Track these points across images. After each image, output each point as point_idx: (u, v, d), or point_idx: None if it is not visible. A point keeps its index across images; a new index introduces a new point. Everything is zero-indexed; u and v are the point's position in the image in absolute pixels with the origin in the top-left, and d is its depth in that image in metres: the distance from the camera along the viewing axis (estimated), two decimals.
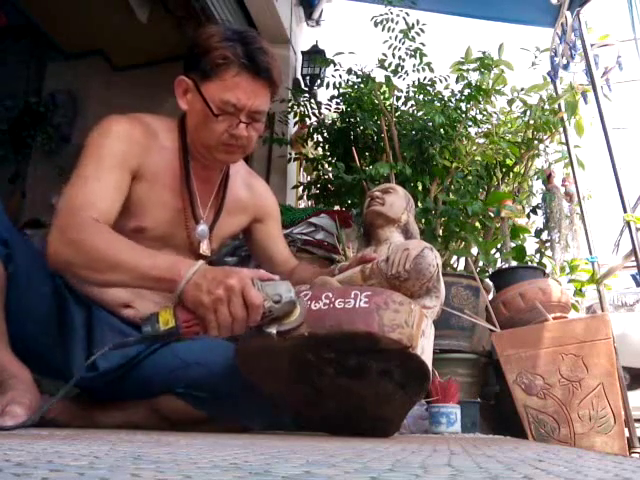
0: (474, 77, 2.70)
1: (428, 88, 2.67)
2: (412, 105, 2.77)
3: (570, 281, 2.62)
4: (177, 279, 0.96)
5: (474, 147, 2.74)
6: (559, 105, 2.76)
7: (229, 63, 1.16)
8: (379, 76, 2.71)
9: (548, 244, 2.77)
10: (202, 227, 1.29)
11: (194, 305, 0.95)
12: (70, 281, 1.21)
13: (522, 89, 2.80)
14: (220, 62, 1.16)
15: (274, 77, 1.22)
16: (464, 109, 2.68)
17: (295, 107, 3.11)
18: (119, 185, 1.15)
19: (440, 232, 2.43)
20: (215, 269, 1.00)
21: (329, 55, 3.29)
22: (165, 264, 1.00)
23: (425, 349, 1.05)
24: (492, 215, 2.46)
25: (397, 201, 1.37)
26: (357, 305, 1.01)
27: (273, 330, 0.98)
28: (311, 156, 3.20)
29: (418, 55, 2.63)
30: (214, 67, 1.17)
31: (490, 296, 2.30)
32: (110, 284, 1.10)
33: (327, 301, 1.03)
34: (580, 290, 2.61)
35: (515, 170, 2.90)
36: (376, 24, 2.68)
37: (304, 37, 4.08)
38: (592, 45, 2.48)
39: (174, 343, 1.21)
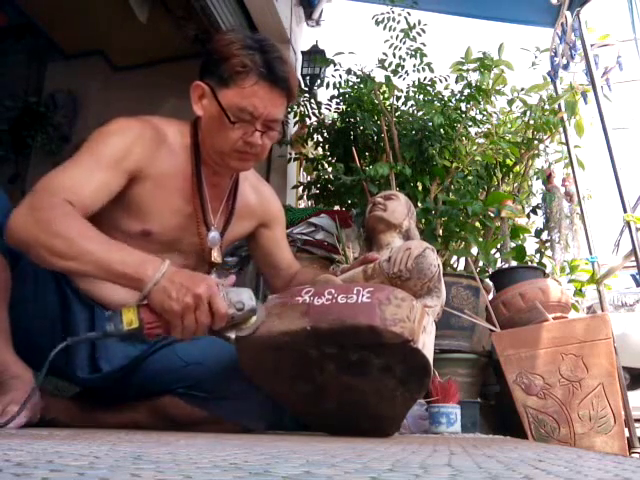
0: (474, 77, 2.70)
1: (428, 88, 2.67)
2: (412, 105, 2.77)
3: (570, 281, 2.61)
4: (144, 279, 0.96)
5: (474, 147, 2.74)
6: (559, 105, 2.76)
7: (248, 71, 1.16)
8: (379, 76, 2.71)
9: (548, 244, 2.76)
10: (213, 234, 1.28)
11: (161, 309, 0.95)
12: (73, 279, 1.20)
13: (522, 89, 2.80)
14: (239, 70, 1.16)
15: (291, 87, 1.22)
16: (464, 109, 2.68)
17: (295, 107, 3.11)
18: (107, 182, 1.11)
19: (440, 232, 2.43)
20: (182, 273, 0.99)
21: (329, 55, 3.29)
22: (132, 261, 0.98)
23: (426, 345, 1.06)
24: (492, 215, 2.46)
25: (399, 207, 1.39)
26: (359, 300, 1.02)
27: (232, 335, 1.01)
28: (311, 156, 3.20)
29: (418, 55, 2.63)
30: (233, 74, 1.16)
31: (490, 296, 2.30)
32: (71, 272, 1.08)
33: (330, 297, 1.04)
34: (580, 290, 2.60)
35: (515, 170, 2.90)
36: (377, 23, 2.68)
37: (304, 37, 4.08)
38: (592, 45, 2.48)
39: (184, 347, 1.22)
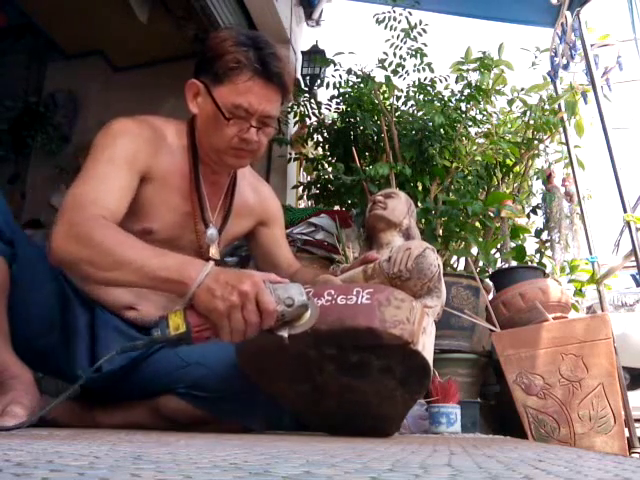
0: (474, 77, 2.70)
1: (428, 88, 2.67)
2: (412, 105, 2.77)
3: (570, 281, 2.61)
4: (187, 282, 0.93)
5: (474, 147, 2.74)
6: (559, 105, 2.76)
7: (242, 67, 1.16)
8: (379, 76, 2.72)
9: (548, 244, 2.76)
10: (211, 231, 1.28)
11: (207, 310, 0.92)
12: (73, 279, 1.21)
13: (522, 89, 2.80)
14: (233, 66, 1.16)
15: (286, 83, 1.21)
16: (464, 109, 2.67)
17: (295, 107, 3.11)
18: (127, 185, 1.13)
19: (440, 232, 2.43)
20: (227, 272, 0.96)
21: (329, 55, 3.29)
22: (175, 265, 0.96)
23: (426, 346, 1.05)
24: (492, 215, 2.46)
25: (399, 206, 1.38)
26: (359, 301, 1.02)
27: (285, 333, 0.96)
28: (311, 156, 3.20)
29: (419, 55, 2.63)
30: (227, 71, 1.16)
31: (490, 296, 2.30)
32: (116, 283, 1.05)
33: (329, 298, 1.04)
34: (580, 290, 2.60)
35: (515, 170, 2.90)
36: (378, 22, 2.68)
37: (304, 37, 4.08)
38: (592, 45, 2.48)
39: (184, 347, 1.21)
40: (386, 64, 2.68)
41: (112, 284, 1.09)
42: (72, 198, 1.06)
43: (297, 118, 3.16)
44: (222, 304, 0.91)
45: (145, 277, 0.96)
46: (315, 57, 3.52)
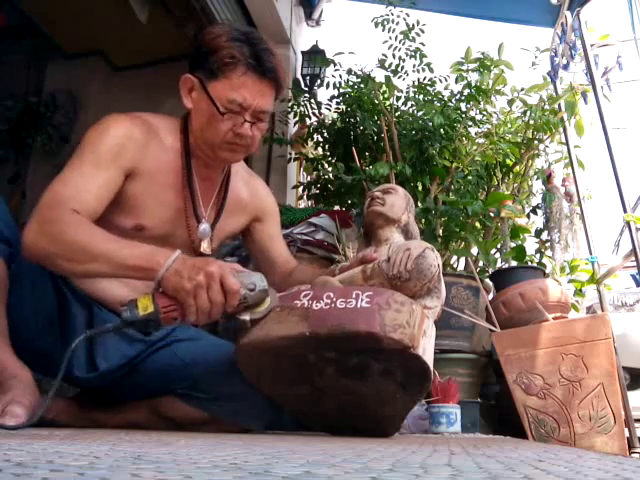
0: (474, 77, 2.70)
1: (428, 88, 2.67)
2: (412, 105, 2.76)
3: (570, 281, 2.61)
4: (156, 267, 1.00)
5: (474, 147, 2.74)
6: (559, 105, 2.76)
7: (236, 63, 1.17)
8: (379, 76, 2.71)
9: (548, 244, 2.76)
10: (204, 226, 1.29)
11: (175, 290, 0.99)
12: (70, 278, 1.21)
13: (522, 89, 2.80)
14: (227, 61, 1.17)
15: (280, 78, 1.23)
16: (464, 109, 2.67)
17: (295, 107, 3.11)
18: (108, 182, 1.14)
19: (440, 232, 2.43)
20: (193, 258, 1.04)
21: (329, 55, 3.29)
22: (144, 254, 1.02)
23: (426, 349, 1.05)
24: (492, 215, 2.46)
25: (397, 201, 1.37)
26: (359, 305, 1.02)
27: (247, 317, 1.04)
28: (311, 156, 3.20)
29: (418, 55, 2.63)
30: (221, 66, 1.18)
31: (490, 296, 2.30)
32: (89, 274, 1.11)
33: (328, 301, 1.03)
34: (580, 290, 2.60)
35: (515, 170, 2.90)
36: (376, 25, 2.68)
37: (304, 37, 4.08)
38: (592, 45, 2.48)
39: (184, 348, 1.22)
40: (385, 65, 2.68)
41: (87, 275, 1.15)
42: (49, 195, 1.08)
43: (297, 118, 3.16)
44: (189, 283, 0.97)
45: (117, 267, 1.03)
46: (315, 57, 3.52)
